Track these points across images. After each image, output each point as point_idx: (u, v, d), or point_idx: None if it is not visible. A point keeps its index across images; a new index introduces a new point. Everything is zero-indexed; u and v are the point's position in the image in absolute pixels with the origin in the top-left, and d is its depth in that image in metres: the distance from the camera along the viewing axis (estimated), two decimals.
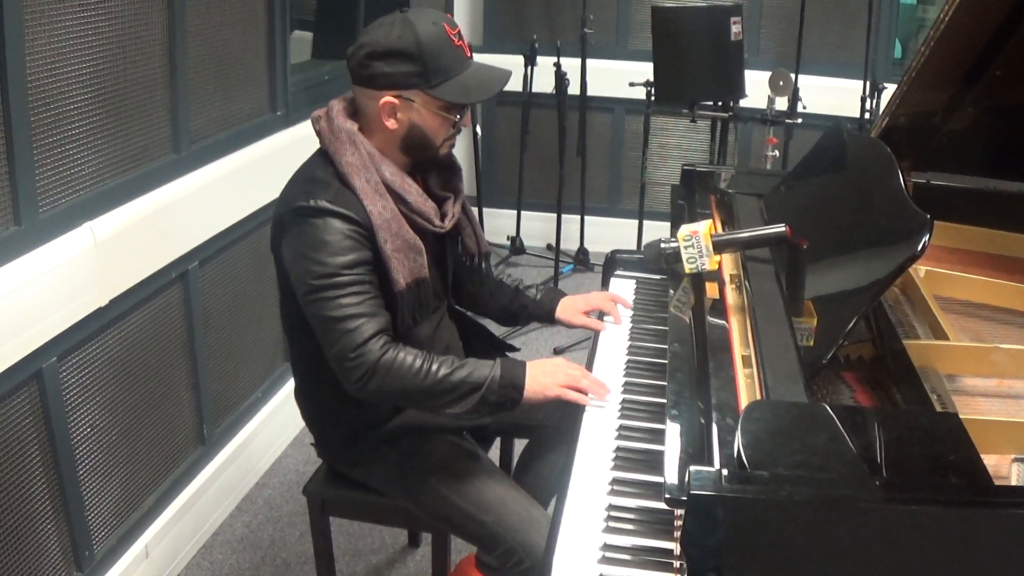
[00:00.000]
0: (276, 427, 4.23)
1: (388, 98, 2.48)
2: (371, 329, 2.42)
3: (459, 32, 2.51)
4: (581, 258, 6.48)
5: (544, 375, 2.53)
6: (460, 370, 2.48)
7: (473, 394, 2.48)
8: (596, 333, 2.95)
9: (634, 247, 5.57)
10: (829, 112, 5.26)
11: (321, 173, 2.51)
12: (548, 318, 3.08)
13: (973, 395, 2.21)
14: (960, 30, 2.57)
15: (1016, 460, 1.92)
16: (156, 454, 3.40)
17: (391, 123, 2.51)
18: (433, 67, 2.44)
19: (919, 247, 1.94)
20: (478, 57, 2.51)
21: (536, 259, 6.53)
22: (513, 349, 3.14)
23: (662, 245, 2.51)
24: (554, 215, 6.05)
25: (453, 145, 2.64)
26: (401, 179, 2.53)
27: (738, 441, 1.66)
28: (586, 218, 6.41)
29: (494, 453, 3.16)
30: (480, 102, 2.59)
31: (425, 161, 2.61)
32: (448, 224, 2.67)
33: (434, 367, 2.45)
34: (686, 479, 1.59)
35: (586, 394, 2.53)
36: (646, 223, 5.90)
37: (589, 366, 2.78)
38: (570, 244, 6.43)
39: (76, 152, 2.84)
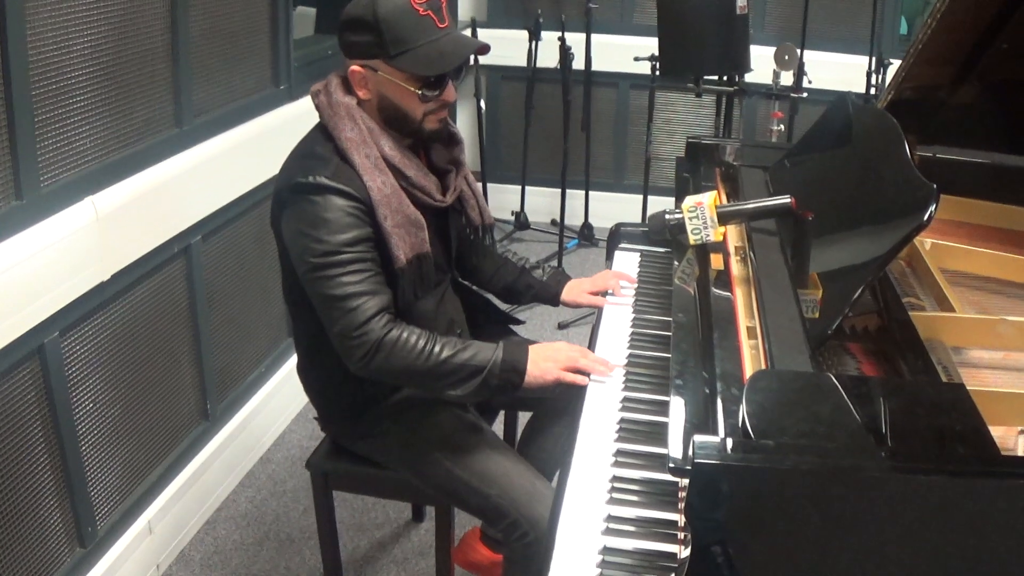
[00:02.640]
0: (280, 402, 4.23)
1: (354, 67, 2.48)
2: (374, 307, 2.41)
3: (430, 1, 2.43)
4: (586, 233, 6.47)
5: (544, 359, 2.52)
6: (463, 352, 2.47)
7: (475, 377, 2.48)
8: (601, 307, 2.94)
9: (639, 222, 5.56)
10: (834, 87, 5.22)
11: (320, 149, 2.50)
12: (553, 300, 3.06)
13: (979, 367, 2.20)
14: (965, 3, 2.55)
15: (1023, 432, 1.91)
16: (159, 429, 3.40)
17: (363, 93, 2.50)
18: (390, 37, 2.40)
19: (926, 216, 1.92)
20: (482, 32, 2.46)
21: (540, 234, 6.52)
22: (518, 322, 3.13)
23: (667, 216, 2.50)
24: (558, 190, 6.03)
25: (444, 120, 2.58)
26: (401, 154, 2.51)
27: (743, 410, 1.65)
28: (591, 193, 6.40)
29: (498, 426, 3.16)
30: (447, 72, 2.47)
31: (412, 135, 2.57)
32: (449, 198, 2.65)
33: (436, 348, 2.45)
34: (690, 449, 1.58)
35: (587, 374, 2.52)
36: (651, 198, 5.89)
37: (593, 339, 2.78)
38: (575, 219, 6.42)
39: (78, 126, 2.83)
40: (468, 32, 5.66)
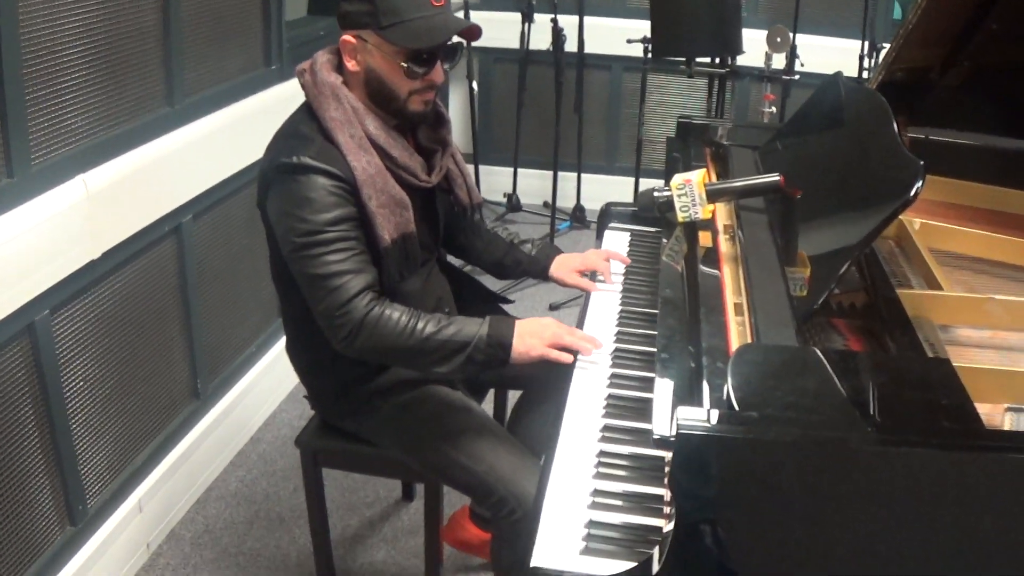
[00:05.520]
0: (271, 382, 4.24)
1: (346, 36, 2.48)
2: (357, 286, 2.41)
3: None
4: (578, 215, 6.47)
5: (530, 335, 2.50)
6: (447, 328, 2.46)
7: (460, 353, 2.47)
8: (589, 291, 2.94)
9: (629, 202, 5.55)
10: (827, 71, 5.20)
11: (305, 128, 2.49)
12: (542, 274, 3.05)
13: (967, 345, 2.21)
14: None
15: (1009, 409, 1.92)
16: (150, 408, 3.40)
17: (351, 64, 2.49)
18: (383, 7, 2.40)
19: (912, 192, 1.93)
20: (475, 14, 2.44)
21: (533, 216, 6.52)
22: (507, 301, 3.13)
23: (655, 193, 2.49)
24: (551, 172, 6.02)
25: (429, 102, 2.57)
26: (386, 133, 2.51)
27: (728, 382, 1.66)
28: (583, 175, 6.41)
29: (487, 404, 3.16)
30: (436, 51, 2.47)
31: (396, 115, 2.55)
32: (435, 178, 2.65)
33: (420, 324, 2.44)
34: (674, 420, 1.59)
35: (573, 352, 2.52)
36: (643, 180, 5.88)
37: (581, 318, 2.77)
38: (567, 201, 6.41)
39: (69, 104, 2.83)
40: (460, 14, 5.65)
